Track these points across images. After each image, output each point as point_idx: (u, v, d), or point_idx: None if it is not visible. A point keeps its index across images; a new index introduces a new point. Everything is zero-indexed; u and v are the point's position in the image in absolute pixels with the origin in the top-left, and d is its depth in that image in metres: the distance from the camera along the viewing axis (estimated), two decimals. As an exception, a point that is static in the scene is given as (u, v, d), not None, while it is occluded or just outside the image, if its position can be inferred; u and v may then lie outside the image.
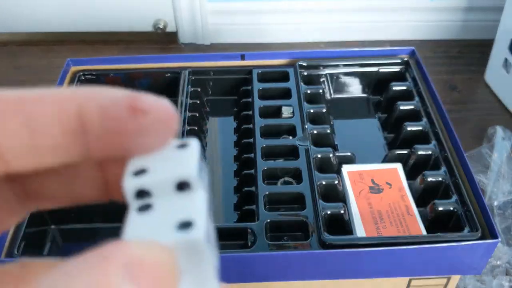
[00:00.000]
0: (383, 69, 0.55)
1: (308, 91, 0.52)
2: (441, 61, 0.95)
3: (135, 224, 0.11)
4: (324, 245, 0.38)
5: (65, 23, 0.97)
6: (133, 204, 0.11)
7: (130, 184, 0.11)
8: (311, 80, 0.54)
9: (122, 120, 0.11)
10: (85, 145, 0.11)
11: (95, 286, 0.08)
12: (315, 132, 0.48)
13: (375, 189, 0.44)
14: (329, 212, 0.40)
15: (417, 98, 0.51)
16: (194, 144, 0.12)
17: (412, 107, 0.50)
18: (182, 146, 0.12)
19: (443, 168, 0.44)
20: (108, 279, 0.08)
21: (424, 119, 0.49)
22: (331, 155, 0.45)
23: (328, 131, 0.48)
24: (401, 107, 0.50)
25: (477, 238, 0.38)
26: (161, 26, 0.96)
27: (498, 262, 0.61)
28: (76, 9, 0.96)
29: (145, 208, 0.11)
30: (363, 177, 0.45)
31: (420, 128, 0.48)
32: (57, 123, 0.11)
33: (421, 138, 0.47)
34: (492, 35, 0.89)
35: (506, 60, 0.83)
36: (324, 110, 0.50)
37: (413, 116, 0.49)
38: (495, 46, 0.87)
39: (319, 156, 0.45)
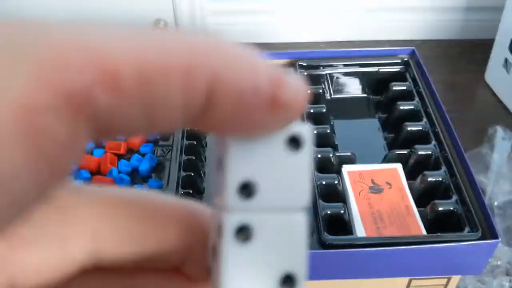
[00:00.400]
0: (383, 69, 0.55)
1: (308, 91, 0.52)
2: (441, 61, 0.95)
3: (234, 261, 0.10)
4: (324, 245, 0.38)
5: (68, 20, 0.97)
6: (229, 224, 0.10)
7: (235, 174, 0.10)
8: (311, 80, 0.54)
9: (255, 111, 0.09)
10: (196, 120, 0.09)
11: None
12: (315, 132, 0.48)
13: (375, 189, 0.44)
14: (329, 212, 0.40)
15: (417, 98, 0.51)
16: (307, 144, 0.10)
17: (412, 107, 0.50)
18: (295, 145, 0.10)
19: (443, 168, 0.44)
20: None
21: (424, 119, 0.49)
22: (331, 155, 0.45)
23: (328, 131, 0.48)
24: (401, 107, 0.50)
25: (477, 238, 0.38)
26: (161, 26, 0.96)
27: (499, 262, 0.61)
28: (75, 10, 0.96)
29: (244, 238, 0.10)
30: (363, 177, 0.45)
31: (420, 128, 0.48)
32: (181, 107, 0.08)
33: (421, 138, 0.47)
34: (492, 35, 0.89)
35: (506, 60, 0.83)
36: (324, 110, 0.50)
37: (413, 116, 0.49)
38: (495, 46, 0.87)
39: (319, 156, 0.45)
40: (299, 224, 0.10)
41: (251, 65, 0.09)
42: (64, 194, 0.10)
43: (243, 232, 0.10)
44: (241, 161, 0.10)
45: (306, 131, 0.10)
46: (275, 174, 0.10)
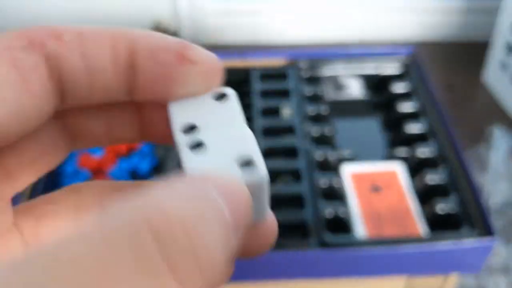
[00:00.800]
0: (383, 69, 0.55)
1: (308, 91, 0.52)
2: (439, 62, 0.95)
3: (193, 161, 0.11)
4: (324, 245, 0.38)
5: (64, 24, 0.97)
6: (182, 140, 0.12)
7: (179, 121, 0.12)
8: (311, 80, 0.54)
9: (170, 66, 0.12)
10: (130, 86, 0.12)
11: (194, 197, 0.09)
12: (315, 132, 0.48)
13: (375, 189, 0.44)
14: (329, 212, 0.40)
15: (417, 98, 0.51)
16: (232, 97, 0.12)
17: (412, 107, 0.50)
18: (221, 96, 0.12)
19: (442, 168, 0.44)
20: (205, 192, 0.09)
21: (424, 119, 0.49)
22: (331, 155, 0.45)
23: (328, 131, 0.48)
24: (401, 107, 0.51)
25: (475, 237, 0.38)
26: (161, 27, 0.96)
27: (496, 261, 0.61)
28: (75, 11, 0.96)
29: (197, 146, 0.11)
30: (363, 177, 0.45)
31: (420, 128, 0.48)
32: (111, 60, 0.12)
33: (421, 138, 0.47)
34: (489, 36, 0.90)
35: (503, 61, 0.84)
36: (324, 110, 0.50)
37: (413, 116, 0.50)
38: (492, 47, 0.87)
39: (319, 156, 0.45)
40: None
41: (162, 36, 0.12)
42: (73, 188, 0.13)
43: (196, 140, 0.12)
44: (182, 112, 0.12)
45: (228, 89, 0.12)
46: (211, 117, 0.12)
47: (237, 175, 0.11)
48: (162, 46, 0.12)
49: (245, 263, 0.38)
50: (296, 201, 0.42)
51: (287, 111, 0.50)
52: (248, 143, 0.11)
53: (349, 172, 0.45)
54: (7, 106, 0.11)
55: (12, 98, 0.11)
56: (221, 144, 0.11)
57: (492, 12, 0.94)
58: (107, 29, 0.12)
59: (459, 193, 0.42)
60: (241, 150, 0.11)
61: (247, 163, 0.11)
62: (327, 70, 0.55)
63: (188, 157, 0.11)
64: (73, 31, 0.12)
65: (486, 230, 0.39)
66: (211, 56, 0.12)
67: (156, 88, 0.12)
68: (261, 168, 0.11)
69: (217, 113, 0.12)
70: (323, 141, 0.47)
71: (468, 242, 0.38)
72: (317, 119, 0.50)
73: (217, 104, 0.12)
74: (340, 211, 0.41)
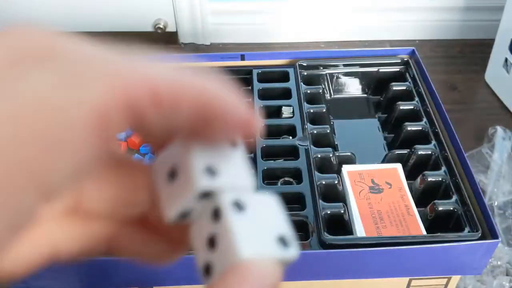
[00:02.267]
0: (383, 69, 0.55)
1: (308, 91, 0.52)
2: (441, 61, 0.95)
3: (240, 229, 0.13)
4: (324, 245, 0.38)
5: (65, 24, 0.97)
6: (227, 200, 0.13)
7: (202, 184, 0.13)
8: (311, 80, 0.54)
9: (231, 132, 0.14)
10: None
11: None
12: (315, 132, 0.48)
13: (375, 189, 0.44)
14: (329, 212, 0.40)
15: (417, 98, 0.51)
16: (241, 145, 0.15)
17: (412, 107, 0.50)
18: (234, 145, 0.14)
19: (443, 168, 0.44)
20: None
21: (424, 119, 0.49)
22: (331, 155, 0.45)
23: (328, 131, 0.48)
24: (401, 107, 0.50)
25: (477, 238, 0.38)
26: (161, 26, 0.96)
27: (499, 263, 0.61)
28: (75, 10, 0.96)
29: (239, 207, 0.13)
30: (363, 177, 0.45)
31: (420, 128, 0.48)
32: (186, 120, 0.13)
33: (421, 138, 0.47)
34: (492, 35, 0.89)
35: (506, 60, 0.83)
36: (324, 110, 0.50)
37: (413, 116, 0.49)
38: (495, 46, 0.87)
39: (319, 156, 0.45)
40: (275, 201, 0.14)
41: (234, 100, 0.13)
42: None
43: (237, 206, 0.13)
44: (201, 154, 0.14)
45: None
46: (227, 161, 0.14)
47: (276, 252, 0.13)
48: (235, 112, 0.13)
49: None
50: (296, 201, 0.42)
51: (287, 111, 0.50)
52: (281, 220, 0.14)
53: (349, 172, 0.45)
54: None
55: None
56: (258, 211, 0.13)
57: (494, 11, 0.94)
58: (190, 89, 0.12)
59: (460, 193, 0.42)
60: (277, 228, 0.13)
61: (283, 241, 0.13)
62: (327, 70, 0.55)
63: (232, 215, 0.13)
64: (168, 92, 0.12)
65: (488, 231, 0.39)
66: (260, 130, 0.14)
67: (205, 134, 0.13)
68: (296, 248, 0.13)
69: (230, 162, 0.14)
70: (323, 141, 0.47)
71: (470, 243, 0.38)
72: (317, 119, 0.49)
73: (229, 149, 0.14)
74: (340, 211, 0.40)
